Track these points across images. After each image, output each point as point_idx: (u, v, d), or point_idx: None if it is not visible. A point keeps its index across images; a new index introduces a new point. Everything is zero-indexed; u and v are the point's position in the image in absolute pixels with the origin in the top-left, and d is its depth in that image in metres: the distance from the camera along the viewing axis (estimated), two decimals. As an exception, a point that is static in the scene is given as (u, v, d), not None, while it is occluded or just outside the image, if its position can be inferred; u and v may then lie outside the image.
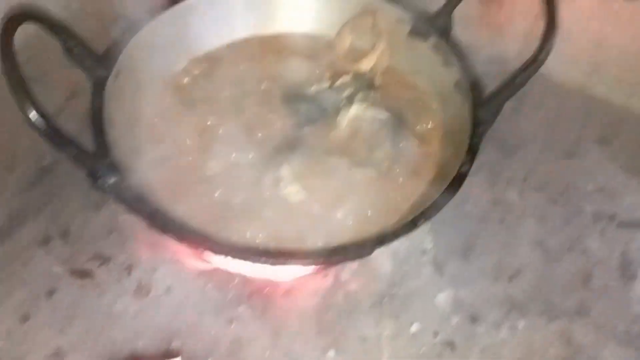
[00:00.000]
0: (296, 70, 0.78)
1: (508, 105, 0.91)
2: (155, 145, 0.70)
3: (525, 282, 0.72)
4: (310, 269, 0.66)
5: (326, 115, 0.74)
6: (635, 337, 0.68)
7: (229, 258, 0.57)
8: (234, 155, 0.69)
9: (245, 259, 0.57)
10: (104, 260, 0.71)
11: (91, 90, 0.67)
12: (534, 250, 0.75)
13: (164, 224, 0.58)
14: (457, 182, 0.63)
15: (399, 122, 0.74)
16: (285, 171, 0.67)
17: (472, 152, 0.65)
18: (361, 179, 0.68)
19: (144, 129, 0.72)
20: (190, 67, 0.79)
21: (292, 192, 0.66)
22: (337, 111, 0.74)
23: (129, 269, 0.70)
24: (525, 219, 0.78)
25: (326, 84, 0.77)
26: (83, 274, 0.70)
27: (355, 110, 0.73)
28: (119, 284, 0.69)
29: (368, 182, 0.68)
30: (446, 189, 0.63)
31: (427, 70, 0.78)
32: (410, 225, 0.59)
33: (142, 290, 0.69)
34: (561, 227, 0.78)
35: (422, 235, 0.72)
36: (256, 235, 0.63)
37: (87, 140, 0.61)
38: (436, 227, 0.74)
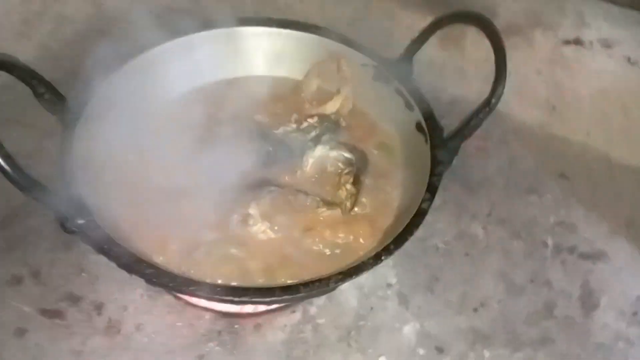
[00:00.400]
0: (264, 111, 0.82)
1: (472, 144, 0.97)
2: (125, 187, 0.72)
3: (490, 313, 0.74)
4: (276, 305, 0.68)
5: (292, 155, 0.77)
6: (597, 366, 0.70)
7: (195, 297, 0.58)
8: (204, 194, 0.71)
9: (210, 298, 0.58)
10: (74, 299, 0.72)
11: (60, 134, 0.69)
12: (498, 283, 0.77)
13: (132, 264, 0.59)
14: (418, 218, 0.66)
15: (362, 162, 0.77)
16: (253, 210, 0.69)
17: (432, 189, 0.68)
18: (327, 216, 0.71)
19: (114, 170, 0.74)
20: (159, 110, 0.81)
21: (260, 230, 0.68)
22: (303, 151, 0.77)
23: (99, 307, 0.71)
24: (489, 252, 0.81)
25: (293, 126, 0.80)
26: (53, 313, 0.71)
27: (320, 150, 0.76)
28: (90, 323, 0.70)
29: (333, 219, 0.71)
30: (408, 224, 0.65)
31: (390, 113, 0.82)
32: (373, 260, 0.62)
33: (112, 328, 0.69)
34: (524, 259, 0.81)
35: (387, 270, 0.74)
36: (224, 274, 0.65)
37: (58, 182, 0.64)
38: (402, 261, 0.76)
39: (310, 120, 0.81)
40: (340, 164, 0.76)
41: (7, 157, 0.56)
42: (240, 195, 0.71)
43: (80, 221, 0.62)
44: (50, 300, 0.71)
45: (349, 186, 0.72)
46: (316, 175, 0.76)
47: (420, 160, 0.75)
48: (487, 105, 0.71)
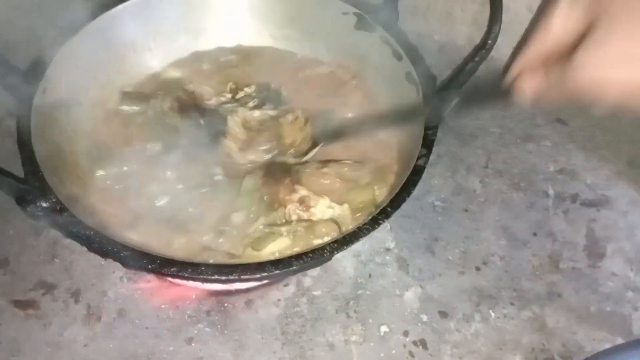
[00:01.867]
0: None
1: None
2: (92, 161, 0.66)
3: (493, 271, 0.70)
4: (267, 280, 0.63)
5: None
6: (607, 316, 0.67)
7: (180, 279, 0.53)
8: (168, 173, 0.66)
9: (196, 279, 0.53)
10: (48, 288, 0.66)
11: (16, 110, 0.62)
12: (500, 238, 0.73)
13: (104, 247, 0.53)
14: (414, 175, 0.60)
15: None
16: (304, 191, 0.64)
17: (428, 143, 0.63)
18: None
19: (79, 145, 0.67)
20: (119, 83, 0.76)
21: (325, 205, 0.64)
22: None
23: (76, 295, 0.66)
24: (488, 206, 0.77)
25: (228, 95, 0.75)
26: (26, 304, 0.65)
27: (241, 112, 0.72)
28: (66, 312, 0.65)
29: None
30: (404, 183, 0.60)
31: (376, 64, 0.75)
32: (370, 224, 0.57)
33: (92, 316, 0.64)
34: (525, 211, 0.77)
35: (384, 233, 0.70)
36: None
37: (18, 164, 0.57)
38: (399, 223, 0.72)
39: (246, 89, 0.75)
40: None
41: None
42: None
43: (44, 204, 0.56)
44: (22, 289, 0.66)
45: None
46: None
47: (413, 113, 0.69)
48: (483, 48, 0.65)
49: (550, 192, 0.79)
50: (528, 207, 0.77)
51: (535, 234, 0.74)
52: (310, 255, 0.55)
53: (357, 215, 0.63)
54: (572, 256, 0.72)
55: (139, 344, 0.62)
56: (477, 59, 0.65)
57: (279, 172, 0.66)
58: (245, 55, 0.82)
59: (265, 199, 0.64)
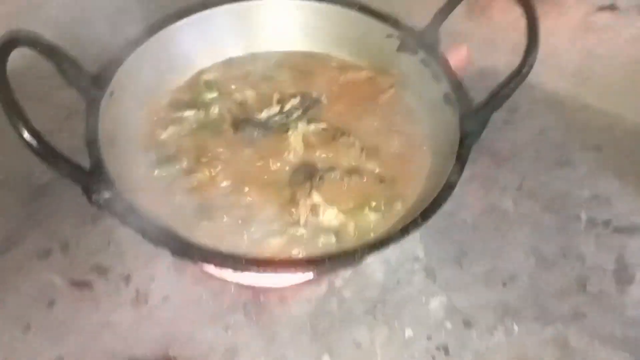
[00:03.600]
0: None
1: (500, 117, 0.94)
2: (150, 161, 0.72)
3: (520, 287, 0.72)
4: (301, 277, 0.67)
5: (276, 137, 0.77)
6: (632, 341, 0.68)
7: (221, 268, 0.58)
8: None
9: (236, 269, 0.58)
10: (102, 271, 0.72)
11: (85, 110, 0.69)
12: (529, 257, 0.75)
13: (157, 236, 0.59)
14: (446, 190, 0.64)
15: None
16: (317, 197, 0.69)
17: (461, 162, 0.66)
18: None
19: (139, 145, 0.74)
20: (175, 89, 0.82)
21: (333, 215, 0.68)
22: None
23: (126, 279, 0.71)
24: (519, 226, 0.79)
25: (276, 109, 0.79)
26: (82, 284, 0.72)
27: (301, 127, 0.77)
28: (117, 294, 0.70)
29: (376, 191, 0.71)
30: (436, 197, 0.64)
31: (416, 85, 0.80)
32: (399, 233, 0.60)
33: (139, 300, 0.70)
34: (556, 233, 0.78)
35: (414, 244, 0.73)
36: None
37: (84, 157, 0.63)
38: (429, 236, 0.75)
39: (293, 100, 0.79)
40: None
41: (33, 132, 0.57)
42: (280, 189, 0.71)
43: (107, 194, 0.63)
44: (78, 271, 0.72)
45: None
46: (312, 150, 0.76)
47: (448, 132, 0.73)
48: (518, 75, 0.68)
49: (583, 216, 0.80)
50: (559, 229, 0.79)
51: (564, 256, 0.76)
52: (341, 256, 0.59)
53: (357, 234, 0.67)
54: (600, 280, 0.73)
55: (179, 328, 0.67)
56: (511, 85, 0.68)
57: (304, 175, 0.71)
58: (288, 60, 0.87)
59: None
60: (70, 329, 0.68)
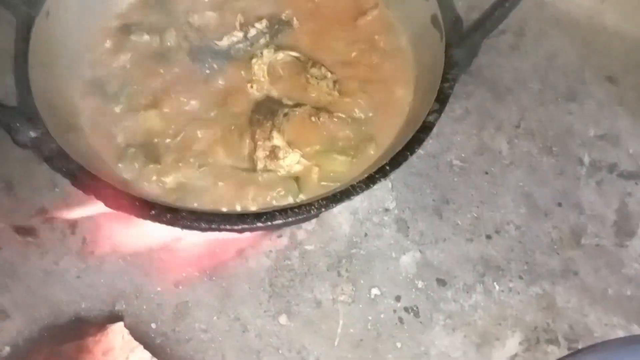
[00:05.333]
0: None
1: (505, 41, 0.82)
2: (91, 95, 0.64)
3: (506, 240, 0.65)
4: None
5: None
6: (625, 302, 0.62)
7: (158, 222, 0.52)
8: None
9: (174, 224, 0.51)
10: (47, 216, 0.66)
11: (15, 32, 0.60)
12: (519, 205, 0.68)
13: (89, 185, 0.52)
14: (422, 133, 0.55)
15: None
16: (278, 139, 0.60)
17: (442, 98, 0.57)
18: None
19: (80, 76, 0.65)
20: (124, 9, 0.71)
21: (294, 161, 0.60)
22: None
23: (73, 226, 0.66)
24: (512, 170, 0.71)
25: (239, 35, 0.68)
26: (27, 231, 0.66)
27: (267, 55, 0.66)
28: (63, 242, 0.65)
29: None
30: (409, 141, 0.55)
31: (402, 3, 0.68)
32: (363, 184, 0.53)
33: (86, 249, 0.64)
34: (552, 179, 0.70)
35: (386, 191, 0.65)
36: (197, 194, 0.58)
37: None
38: (407, 181, 0.67)
39: (258, 25, 0.68)
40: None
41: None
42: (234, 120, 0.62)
43: (33, 134, 0.55)
44: (23, 215, 0.67)
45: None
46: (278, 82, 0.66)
47: (433, 61, 0.63)
48: (516, -10, 0.57)
49: (585, 159, 0.71)
50: (557, 174, 0.70)
51: (559, 204, 0.68)
52: (296, 210, 0.52)
53: (323, 183, 0.59)
54: (597, 232, 0.66)
55: (128, 282, 0.62)
56: (507, 4, 0.57)
57: (266, 112, 0.62)
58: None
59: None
60: (13, 278, 0.63)
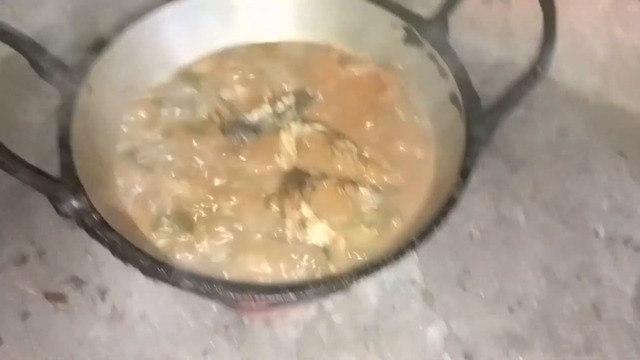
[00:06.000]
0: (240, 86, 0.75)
1: (515, 114, 0.86)
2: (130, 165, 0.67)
3: (528, 313, 0.66)
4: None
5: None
6: (651, 378, 0.62)
7: (195, 293, 0.53)
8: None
9: (209, 295, 0.53)
10: (78, 283, 0.68)
11: (59, 107, 0.63)
12: (539, 278, 0.69)
13: (128, 254, 0.54)
14: (447, 207, 0.57)
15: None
16: (306, 210, 0.63)
17: (465, 173, 0.60)
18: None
19: (118, 147, 0.69)
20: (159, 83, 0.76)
21: (322, 231, 0.62)
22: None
23: (103, 293, 0.67)
24: (531, 241, 0.72)
25: (268, 109, 0.72)
26: (57, 297, 0.67)
27: (295, 128, 0.70)
28: (93, 309, 0.66)
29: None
30: (435, 214, 0.57)
31: (421, 81, 0.72)
32: (393, 257, 0.54)
33: (116, 316, 0.65)
34: (571, 251, 0.72)
35: (412, 263, 0.67)
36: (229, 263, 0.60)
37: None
38: (430, 252, 0.69)
39: (285, 100, 0.72)
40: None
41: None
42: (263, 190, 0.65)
43: (75, 204, 0.58)
44: (54, 282, 0.68)
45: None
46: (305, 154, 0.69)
47: (454, 137, 0.66)
48: (534, 74, 0.61)
49: (601, 231, 0.73)
50: (574, 246, 0.72)
51: (578, 277, 0.69)
52: (328, 282, 0.54)
53: (350, 254, 0.61)
54: (617, 306, 0.67)
55: (157, 350, 0.62)
56: (525, 85, 0.61)
57: (294, 182, 0.65)
58: (283, 51, 0.80)
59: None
60: (44, 344, 0.64)
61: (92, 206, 0.57)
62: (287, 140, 0.70)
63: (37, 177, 0.56)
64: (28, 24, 0.79)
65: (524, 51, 0.89)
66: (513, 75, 0.87)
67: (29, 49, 0.63)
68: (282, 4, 0.79)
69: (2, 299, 0.67)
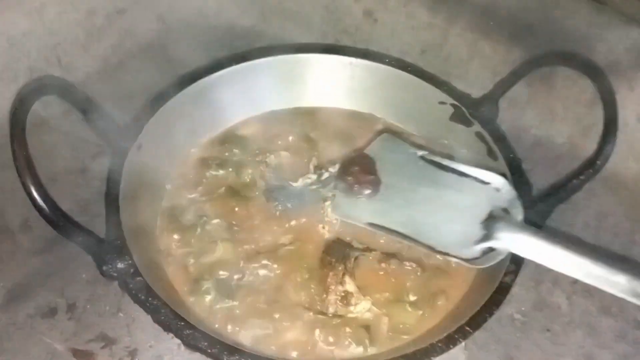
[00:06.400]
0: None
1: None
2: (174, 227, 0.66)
3: (572, 407, 0.63)
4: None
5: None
6: None
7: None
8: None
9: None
10: (108, 341, 0.66)
11: (110, 164, 0.64)
12: (583, 367, 0.66)
13: (168, 322, 0.53)
14: (500, 295, 0.56)
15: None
16: (350, 285, 0.62)
17: (518, 260, 0.59)
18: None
19: (164, 207, 0.69)
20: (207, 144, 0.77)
21: (365, 309, 0.62)
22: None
23: (132, 354, 0.65)
24: (573, 329, 0.70)
25: (313, 177, 0.72)
26: (85, 355, 0.65)
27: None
28: (121, 372, 0.64)
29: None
30: (487, 301, 0.56)
31: (469, 161, 0.72)
32: (444, 344, 0.53)
33: (150, 380, 0.63)
34: (613, 341, 0.69)
35: (457, 350, 0.64)
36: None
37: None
38: (475, 337, 0.66)
39: (331, 169, 0.73)
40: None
41: (45, 196, 0.51)
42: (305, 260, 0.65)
43: (120, 265, 0.57)
44: (83, 339, 0.66)
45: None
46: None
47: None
48: (592, 167, 0.60)
49: (643, 321, 0.71)
50: (617, 336, 0.70)
51: (622, 369, 0.67)
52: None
53: (390, 334, 0.60)
54: (661, 403, 0.64)
55: (186, 420, 0.60)
56: (582, 177, 0.60)
57: (338, 254, 0.64)
58: (328, 118, 0.81)
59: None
60: (66, 408, 0.61)
61: (137, 269, 0.56)
62: (331, 209, 0.69)
63: (85, 237, 0.56)
64: (72, 73, 0.80)
65: (564, 132, 0.89)
66: (551, 154, 0.88)
67: (84, 105, 0.64)
68: (333, 73, 0.80)
69: (27, 352, 0.65)
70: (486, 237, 0.58)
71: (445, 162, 0.68)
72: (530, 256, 0.56)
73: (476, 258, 0.58)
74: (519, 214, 0.59)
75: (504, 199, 0.62)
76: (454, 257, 0.59)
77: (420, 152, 0.70)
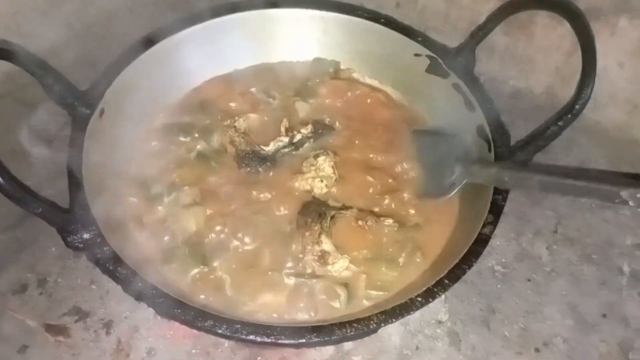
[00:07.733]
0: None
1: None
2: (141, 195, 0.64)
3: (555, 354, 0.63)
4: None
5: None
6: None
7: (212, 334, 0.50)
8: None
9: (228, 337, 0.49)
10: (81, 315, 0.64)
11: (70, 132, 0.61)
12: (565, 316, 0.66)
13: (139, 290, 0.51)
14: (478, 246, 0.55)
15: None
16: (327, 244, 0.60)
17: (496, 210, 0.57)
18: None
19: (130, 175, 0.66)
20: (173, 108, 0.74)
21: (343, 267, 0.60)
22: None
23: (108, 326, 0.63)
24: (555, 278, 0.70)
25: (285, 140, 0.70)
26: (59, 330, 0.64)
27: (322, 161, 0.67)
28: (97, 343, 0.62)
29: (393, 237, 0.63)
30: (465, 253, 0.55)
31: (445, 113, 0.70)
32: (423, 299, 0.52)
33: (121, 351, 0.62)
34: (596, 288, 0.69)
35: (437, 303, 0.64)
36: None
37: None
38: (454, 289, 0.65)
39: (303, 130, 0.70)
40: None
41: (2, 169, 0.49)
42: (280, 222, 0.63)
43: (86, 235, 0.55)
44: (55, 313, 0.65)
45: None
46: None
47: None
48: (570, 112, 0.58)
49: (626, 269, 0.71)
50: (599, 284, 0.70)
51: (605, 316, 0.67)
52: (355, 324, 0.50)
53: (369, 291, 0.59)
54: (645, 347, 0.64)
55: (165, 389, 0.59)
56: (560, 123, 0.58)
57: (313, 214, 0.62)
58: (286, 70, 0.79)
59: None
60: (42, 381, 0.60)
61: (104, 238, 0.54)
62: (326, 163, 0.67)
63: (46, 208, 0.53)
64: (34, 41, 0.76)
65: (544, 82, 0.88)
66: (531, 105, 0.87)
67: (39, 70, 0.61)
68: (303, 28, 0.76)
69: (1, 330, 0.63)
70: (450, 175, 0.63)
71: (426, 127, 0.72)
72: (486, 181, 0.60)
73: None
74: (474, 153, 0.65)
75: (467, 145, 0.66)
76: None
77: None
